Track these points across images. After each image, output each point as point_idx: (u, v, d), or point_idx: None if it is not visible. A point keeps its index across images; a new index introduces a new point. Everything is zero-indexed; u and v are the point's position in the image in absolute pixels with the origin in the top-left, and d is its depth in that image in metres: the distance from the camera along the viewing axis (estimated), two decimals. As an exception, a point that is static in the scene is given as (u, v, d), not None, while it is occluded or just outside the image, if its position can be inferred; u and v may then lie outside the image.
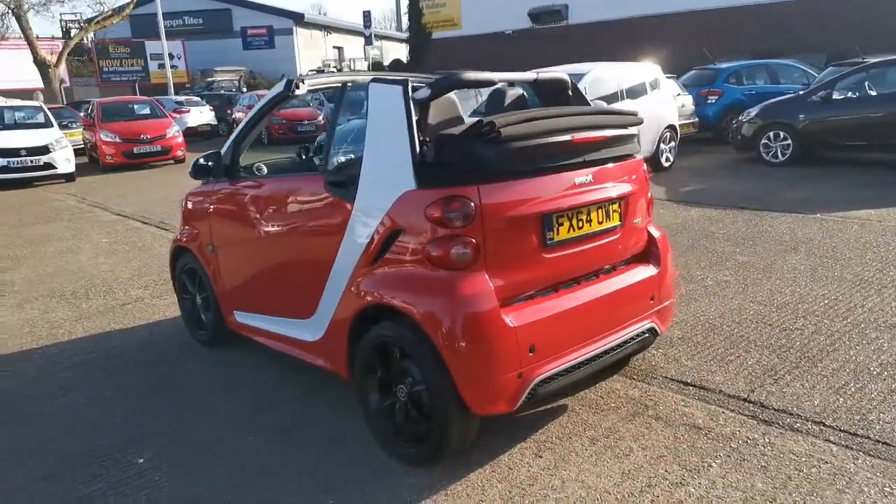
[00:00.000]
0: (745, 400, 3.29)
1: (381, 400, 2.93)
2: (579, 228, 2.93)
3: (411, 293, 2.70)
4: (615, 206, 3.12)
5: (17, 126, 12.77)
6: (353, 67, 42.64)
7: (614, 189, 3.09)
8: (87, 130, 15.50)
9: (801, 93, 10.68)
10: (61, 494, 2.75)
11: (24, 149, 11.92)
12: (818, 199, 7.73)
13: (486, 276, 2.64)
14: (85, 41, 41.26)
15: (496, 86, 3.47)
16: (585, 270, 3.04)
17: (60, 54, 24.03)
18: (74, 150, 13.44)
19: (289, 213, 3.38)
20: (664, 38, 21.02)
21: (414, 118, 2.79)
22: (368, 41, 35.97)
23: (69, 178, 12.74)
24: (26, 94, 28.72)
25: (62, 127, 14.42)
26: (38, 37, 29.62)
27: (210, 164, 3.82)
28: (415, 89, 2.91)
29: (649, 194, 3.47)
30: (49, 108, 16.35)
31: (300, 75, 3.58)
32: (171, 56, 41.51)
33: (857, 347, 3.79)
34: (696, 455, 2.85)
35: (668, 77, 11.81)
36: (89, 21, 25.94)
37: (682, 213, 7.51)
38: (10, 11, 22.42)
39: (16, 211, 10.08)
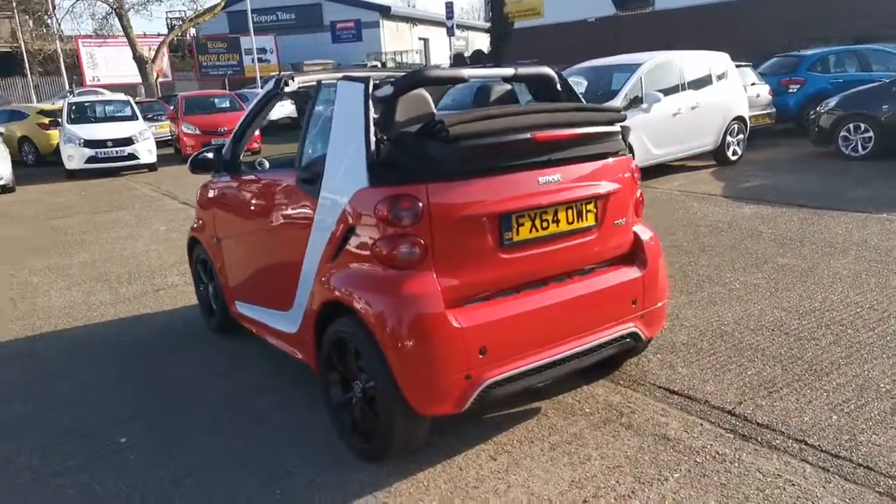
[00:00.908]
0: (728, 412, 3.12)
1: (341, 394, 2.98)
2: (544, 229, 2.86)
3: (360, 290, 2.72)
4: (590, 206, 3.01)
5: (106, 119, 13.70)
6: (400, 63, 42.55)
7: (589, 188, 2.99)
8: (173, 123, 16.39)
9: (885, 81, 9.89)
10: (38, 468, 2.96)
11: (111, 140, 12.76)
12: (888, 198, 7.16)
13: (434, 276, 2.62)
14: (186, 37, 43.54)
15: (475, 83, 3.42)
16: (553, 272, 2.96)
17: (157, 51, 25.45)
18: (162, 141, 14.25)
19: (271, 208, 3.48)
20: (756, 22, 19.97)
21: (371, 116, 2.81)
22: (450, 32, 36.04)
23: (151, 167, 13.55)
24: (130, 88, 30.69)
25: (153, 120, 15.31)
26: (144, 34, 31.59)
27: (210, 158, 3.97)
28: (377, 87, 2.92)
29: (638, 193, 3.34)
30: (142, 102, 17.41)
31: (289, 74, 3.66)
32: (263, 50, 43.22)
33: (874, 362, 3.50)
34: (655, 467, 2.73)
35: (741, 65, 11.23)
36: (184, 20, 27.34)
37: (734, 211, 7.14)
38: (113, 11, 23.96)
39: (95, 198, 10.82)
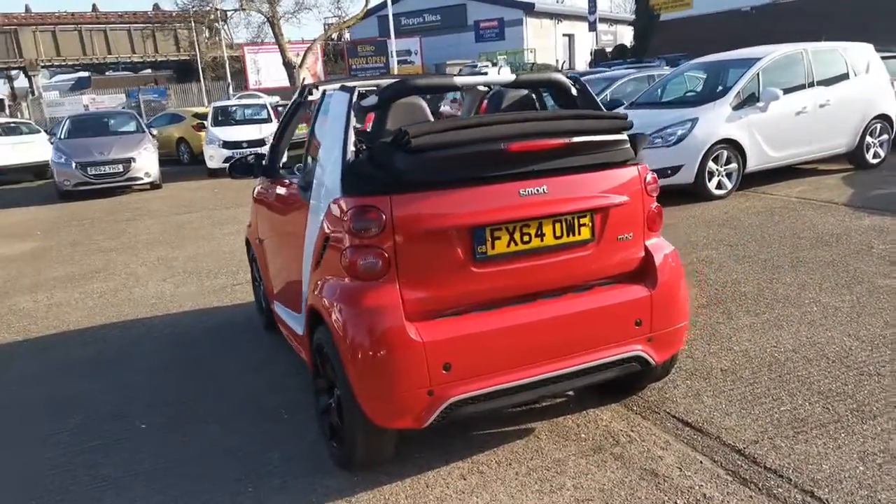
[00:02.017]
0: (738, 451, 2.82)
1: (325, 399, 3.04)
2: (525, 243, 2.74)
3: (329, 299, 2.76)
4: (584, 220, 2.84)
5: (244, 121, 14.83)
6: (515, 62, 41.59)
7: (584, 201, 2.83)
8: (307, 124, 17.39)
9: None
10: (66, 444, 3.29)
11: (246, 141, 13.81)
12: None
13: (397, 289, 2.60)
14: (341, 41, 45.94)
15: (481, 89, 3.32)
16: (541, 288, 2.82)
17: (303, 56, 27.10)
18: (299, 142, 15.16)
19: (287, 212, 3.62)
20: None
21: (351, 125, 2.83)
22: (592, 27, 35.17)
23: (283, 166, 14.48)
24: (285, 91, 32.91)
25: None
26: (302, 39, 33.78)
27: (250, 163, 4.17)
28: (363, 97, 2.94)
29: (654, 206, 3.09)
30: (283, 105, 18.64)
31: (313, 84, 3.76)
32: (407, 52, 44.64)
33: (940, 408, 3.01)
34: (627, 505, 2.53)
35: (889, 57, 9.97)
36: (329, 26, 28.87)
37: (850, 222, 6.38)
38: (267, 21, 25.84)
39: (224, 196, 11.76)
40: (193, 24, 38.54)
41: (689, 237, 6.30)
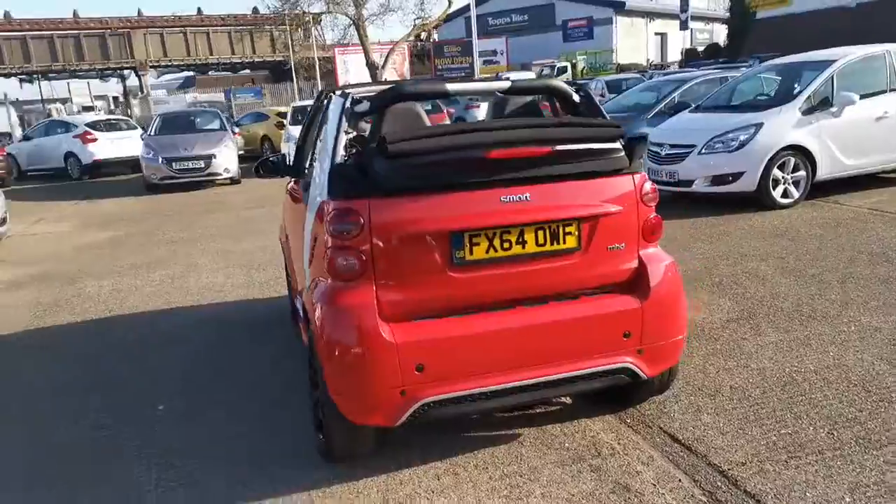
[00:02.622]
0: (721, 472, 2.73)
1: (317, 392, 3.15)
2: (505, 249, 2.75)
3: (312, 296, 2.87)
4: (570, 229, 2.83)
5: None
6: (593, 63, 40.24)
7: (569, 209, 2.81)
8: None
9: None
10: (93, 420, 3.57)
11: (320, 140, 14.24)
12: None
13: (373, 290, 2.67)
14: (429, 42, 46.49)
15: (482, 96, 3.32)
16: (521, 295, 2.82)
17: (386, 58, 27.65)
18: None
19: (296, 211, 3.77)
20: None
21: (342, 130, 2.93)
22: (684, 26, 34.01)
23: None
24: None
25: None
26: (392, 41, 34.47)
27: (275, 162, 4.33)
28: (357, 102, 3.03)
29: (651, 216, 3.02)
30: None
31: (331, 88, 3.89)
32: (493, 52, 44.62)
33: (958, 442, 2.79)
34: (589, 518, 2.51)
35: None
36: (413, 27, 29.33)
37: (921, 237, 5.94)
38: (352, 23, 26.56)
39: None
40: (288, 26, 40.02)
41: (739, 248, 6.06)
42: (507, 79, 3.83)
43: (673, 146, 7.93)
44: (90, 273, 6.90)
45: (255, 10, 46.06)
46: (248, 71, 52.00)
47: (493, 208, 2.71)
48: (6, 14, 44.64)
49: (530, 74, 31.42)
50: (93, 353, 4.60)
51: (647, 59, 43.19)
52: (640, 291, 2.95)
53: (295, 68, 45.55)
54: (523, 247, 2.77)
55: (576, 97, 3.30)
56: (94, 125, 16.52)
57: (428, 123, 3.42)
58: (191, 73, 55.39)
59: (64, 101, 43.94)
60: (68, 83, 46.43)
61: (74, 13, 45.45)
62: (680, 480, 2.70)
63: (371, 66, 26.86)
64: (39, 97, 49.28)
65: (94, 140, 15.91)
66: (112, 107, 46.50)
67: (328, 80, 46.24)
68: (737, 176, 7.42)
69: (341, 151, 2.91)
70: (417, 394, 2.65)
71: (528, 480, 2.77)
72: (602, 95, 19.22)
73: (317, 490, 2.80)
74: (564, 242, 2.83)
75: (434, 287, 2.72)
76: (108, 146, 16.11)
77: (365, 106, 3.00)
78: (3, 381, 4.26)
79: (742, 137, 7.40)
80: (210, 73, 53.13)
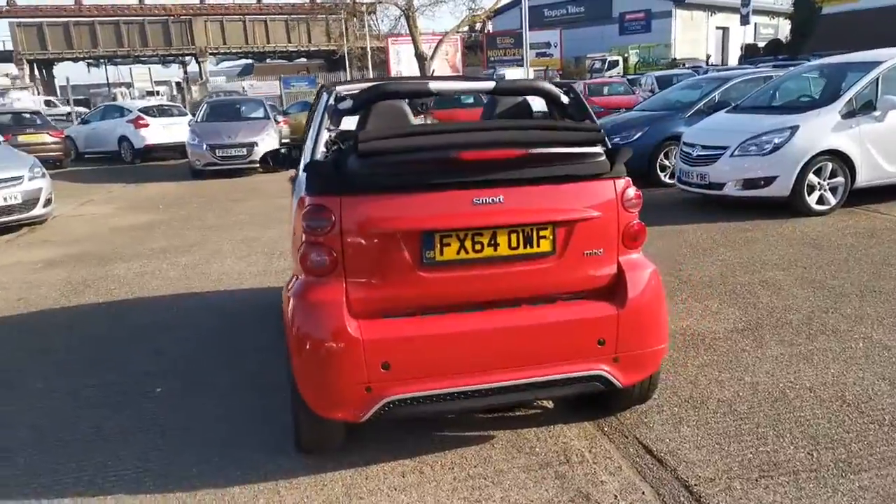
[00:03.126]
0: (686, 487, 2.68)
1: None
2: (476, 251, 2.75)
3: (287, 290, 2.93)
4: (545, 232, 2.81)
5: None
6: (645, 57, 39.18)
7: (544, 213, 2.79)
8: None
9: None
10: (89, 399, 3.73)
11: (359, 130, 14.40)
12: None
13: (343, 286, 2.71)
14: (480, 33, 46.33)
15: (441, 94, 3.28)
16: (494, 297, 2.82)
17: (434, 49, 27.66)
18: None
19: (291, 204, 3.83)
20: None
21: (323, 126, 2.97)
22: (745, 20, 32.98)
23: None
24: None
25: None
26: (447, 33, 34.49)
27: (282, 153, 4.39)
28: (340, 100, 3.06)
29: (634, 222, 2.97)
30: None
31: (332, 83, 3.93)
32: (546, 44, 44.14)
33: (942, 470, 2.67)
34: (543, 525, 2.50)
35: None
36: (463, 18, 29.24)
37: (958, 250, 5.66)
38: (403, 14, 26.67)
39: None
40: (343, 16, 40.40)
41: (763, 255, 5.88)
42: (502, 77, 3.81)
43: (705, 147, 7.73)
44: (122, 255, 7.17)
45: (313, -1, 46.81)
46: (303, 59, 52.87)
47: (465, 209, 2.71)
48: (77, 0, 46.41)
49: (519, 73, 30.80)
50: (105, 335, 4.79)
51: (707, 55, 42.04)
52: (618, 298, 2.91)
53: (348, 58, 46.00)
54: (495, 249, 2.77)
55: (564, 99, 3.27)
56: (146, 111, 17.07)
57: (413, 122, 3.43)
58: (249, 61, 56.62)
59: (128, 85, 45.48)
60: (131, 68, 48.09)
61: (140, 0, 46.97)
62: (643, 493, 2.67)
63: (419, 58, 26.94)
64: (106, 81, 51.13)
65: (147, 125, 16.45)
66: (174, 92, 47.92)
67: (381, 69, 46.57)
68: (769, 180, 7.19)
69: (322, 148, 2.96)
70: (383, 391, 2.68)
71: (491, 483, 2.78)
72: (652, 91, 18.86)
73: (284, 480, 2.86)
74: (538, 246, 2.81)
75: (404, 286, 2.74)
76: (159, 131, 16.63)
77: (348, 104, 3.03)
78: (12, 357, 4.47)
79: (776, 140, 7.16)
80: (267, 60, 54.20)
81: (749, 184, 7.33)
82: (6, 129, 15.93)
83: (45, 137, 16.03)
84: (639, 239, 3.00)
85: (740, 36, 41.06)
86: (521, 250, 2.79)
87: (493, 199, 2.73)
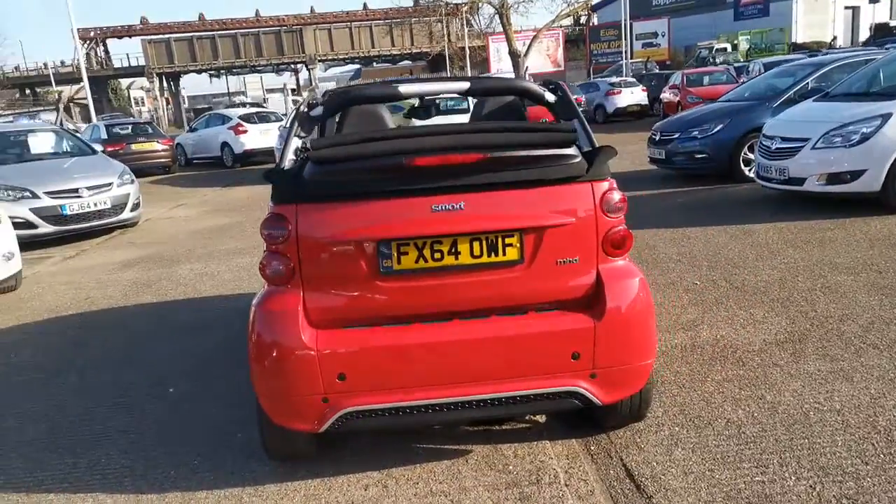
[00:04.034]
0: (657, 518, 2.44)
1: None
2: (436, 260, 2.64)
3: (254, 299, 2.93)
4: (511, 240, 2.65)
5: (447, 111, 15.48)
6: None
7: (509, 220, 2.64)
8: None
9: None
10: (104, 396, 3.92)
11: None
12: None
13: (300, 296, 2.68)
14: (583, 26, 45.35)
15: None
16: (454, 307, 2.69)
17: (528, 45, 27.31)
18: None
19: None
20: None
21: (292, 133, 2.95)
22: (874, -1, 30.14)
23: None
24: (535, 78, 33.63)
25: None
26: (557, 28, 34.04)
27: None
28: (312, 106, 3.02)
29: (618, 228, 2.75)
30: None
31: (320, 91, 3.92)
32: (654, 34, 42.52)
33: (968, 516, 2.27)
34: (486, 550, 2.35)
35: None
36: (556, 15, 28.70)
37: None
38: (496, 12, 26.53)
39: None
40: (443, 17, 40.78)
41: (835, 257, 5.33)
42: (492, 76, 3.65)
43: (784, 139, 7.11)
44: (190, 257, 7.56)
45: (416, 1, 47.55)
46: (407, 62, 53.87)
47: (422, 217, 2.60)
48: (200, 15, 49.78)
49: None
50: (144, 333, 5.04)
51: (832, 37, 38.89)
52: (595, 310, 2.70)
53: (449, 57, 46.37)
54: (456, 258, 2.64)
55: (549, 97, 3.07)
56: (246, 118, 17.96)
57: (391, 125, 3.34)
58: (357, 66, 58.42)
59: (240, 94, 48.24)
60: (244, 78, 50.92)
61: (256, 12, 49.64)
62: (607, 522, 2.46)
63: (513, 55, 26.69)
64: (227, 90, 54.49)
65: (245, 131, 17.31)
66: (290, 97, 50.23)
67: (481, 68, 46.64)
68: (856, 174, 6.50)
69: (290, 156, 2.94)
70: (340, 402, 2.63)
71: (449, 502, 2.65)
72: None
73: (251, 487, 2.87)
74: (505, 254, 2.66)
75: (362, 296, 2.67)
76: (257, 137, 17.44)
77: (318, 110, 3.00)
78: (53, 351, 4.78)
79: (864, 130, 6.46)
80: (374, 64, 55.69)
81: (833, 178, 6.66)
82: (123, 138, 17.33)
83: (156, 145, 17.27)
84: (622, 246, 2.77)
85: (871, 16, 37.67)
86: (484, 259, 2.65)
87: (452, 206, 2.60)
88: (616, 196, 2.75)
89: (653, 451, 2.88)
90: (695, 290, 4.87)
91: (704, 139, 9.01)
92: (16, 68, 55.23)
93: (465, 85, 3.06)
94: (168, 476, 3.00)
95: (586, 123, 3.05)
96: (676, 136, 9.31)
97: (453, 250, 2.64)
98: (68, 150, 9.89)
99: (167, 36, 48.35)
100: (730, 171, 8.95)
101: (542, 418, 3.23)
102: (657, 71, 29.26)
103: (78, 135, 12.96)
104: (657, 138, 9.71)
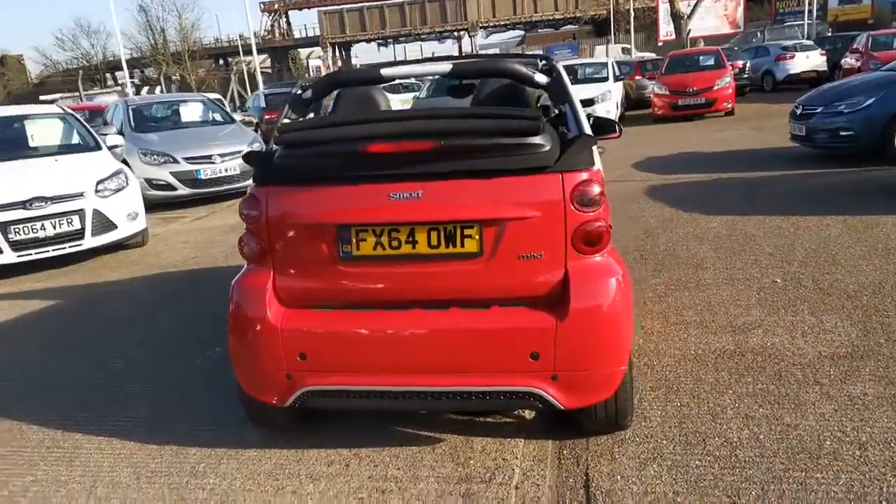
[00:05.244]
0: (588, 537, 2.28)
1: None
2: (393, 248, 2.62)
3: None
4: (470, 231, 2.57)
5: (584, 80, 14.90)
6: None
7: (467, 210, 2.55)
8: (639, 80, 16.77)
9: None
10: (162, 348, 4.31)
11: (583, 101, 13.93)
12: None
13: (271, 275, 2.78)
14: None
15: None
16: (414, 296, 2.66)
17: (693, 7, 25.32)
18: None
19: None
20: None
21: (283, 116, 3.02)
22: None
23: (613, 129, 14.24)
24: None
25: (618, 79, 15.75)
26: None
27: None
28: (304, 89, 3.06)
29: (590, 223, 2.55)
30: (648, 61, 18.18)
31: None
32: (852, -12, 37.73)
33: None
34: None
35: None
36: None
37: None
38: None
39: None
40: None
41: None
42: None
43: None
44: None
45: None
46: (571, 26, 52.33)
47: (380, 204, 2.59)
48: (370, -15, 51.58)
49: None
50: (216, 297, 5.44)
51: None
52: (559, 309, 2.55)
53: (615, 20, 44.44)
54: (413, 247, 2.61)
55: (541, 79, 2.87)
56: (392, 88, 18.50)
57: (384, 108, 3.28)
58: (520, 32, 57.76)
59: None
60: (404, 47, 52.30)
61: (423, -20, 50.55)
62: (536, 533, 2.34)
63: (675, 17, 24.92)
64: (394, 59, 56.27)
65: (387, 101, 17.89)
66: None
67: (649, 31, 44.20)
68: None
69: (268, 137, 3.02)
70: (301, 380, 2.72)
71: (398, 489, 2.66)
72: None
73: (233, 450, 3.04)
74: (463, 246, 2.58)
75: (325, 279, 2.72)
76: (397, 107, 17.95)
77: (309, 94, 3.04)
78: (142, 307, 5.30)
79: None
80: (538, 30, 54.77)
81: None
82: (280, 106, 18.62)
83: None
84: (595, 243, 2.58)
85: None
86: (442, 249, 2.59)
87: (410, 194, 2.56)
88: (593, 189, 2.54)
89: (626, 463, 2.68)
90: (771, 289, 4.37)
91: (852, 114, 7.91)
92: (216, 39, 60.91)
93: (448, 66, 2.94)
94: (172, 432, 3.25)
95: (578, 109, 2.84)
96: (819, 110, 8.27)
97: (411, 239, 2.60)
98: (210, 119, 10.83)
99: (340, 7, 50.82)
100: (881, 152, 7.81)
101: (529, 414, 3.12)
102: (828, 34, 25.99)
103: (223, 104, 14.07)
104: (799, 112, 8.69)
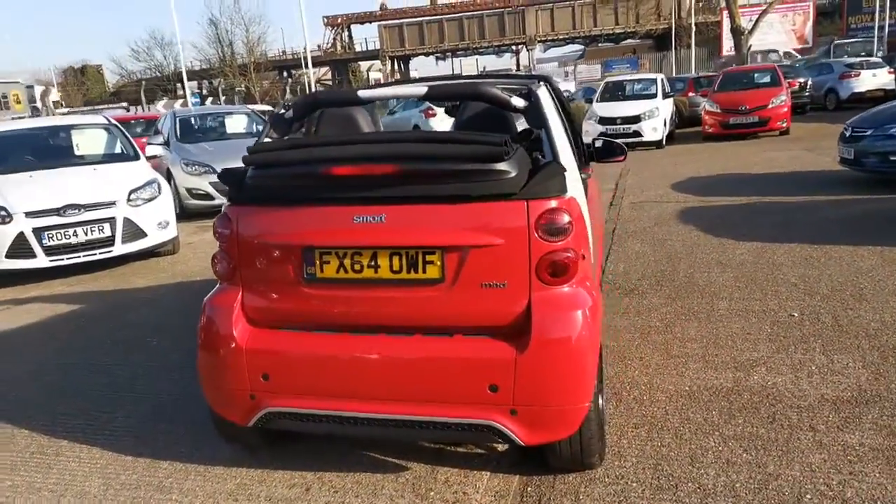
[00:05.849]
0: (528, 584, 2.18)
1: None
2: (356, 271, 2.59)
3: None
4: (432, 257, 2.52)
5: (632, 97, 14.63)
6: None
7: (429, 236, 2.51)
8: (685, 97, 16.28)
9: None
10: (165, 357, 4.39)
11: (619, 118, 13.68)
12: None
13: (239, 294, 2.79)
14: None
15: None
16: (377, 321, 2.62)
17: (756, 21, 24.57)
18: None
19: None
20: None
21: (264, 136, 3.04)
22: None
23: (657, 145, 13.89)
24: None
25: (668, 95, 15.36)
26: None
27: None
28: (287, 109, 3.07)
29: (559, 254, 2.46)
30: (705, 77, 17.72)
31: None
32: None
33: None
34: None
35: None
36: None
37: None
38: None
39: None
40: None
41: None
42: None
43: None
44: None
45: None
46: (631, 40, 51.60)
47: (344, 227, 2.57)
48: (432, 0, 52.27)
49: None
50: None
51: None
52: (520, 341, 2.47)
53: (677, 35, 43.68)
54: (375, 271, 2.57)
55: (518, 102, 2.79)
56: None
57: (366, 129, 3.25)
58: (580, 47, 57.32)
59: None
60: (460, 60, 52.57)
61: (483, -5, 50.84)
62: (478, 575, 2.25)
63: (735, 32, 24.20)
64: (451, 73, 56.66)
65: (434, 115, 17.89)
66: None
67: (713, 45, 43.27)
68: None
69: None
70: (264, 401, 2.71)
71: (352, 517, 2.62)
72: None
73: (202, 465, 3.05)
74: (425, 272, 2.53)
75: (289, 300, 2.72)
76: (445, 120, 18.01)
77: (289, 114, 3.05)
78: (158, 316, 5.39)
79: None
80: (598, 45, 54.23)
81: None
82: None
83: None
84: (564, 274, 2.48)
85: None
86: (404, 275, 2.55)
87: (373, 218, 2.53)
88: (561, 218, 2.46)
89: (607, 492, 2.56)
90: (785, 324, 4.14)
91: (884, 140, 7.49)
92: (281, 52, 62.57)
93: (423, 90, 2.90)
94: (153, 442, 3.29)
95: (554, 135, 2.75)
96: (869, 132, 7.86)
97: (373, 263, 2.57)
98: (254, 131, 11.08)
99: (400, 21, 51.54)
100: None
101: (501, 446, 3.01)
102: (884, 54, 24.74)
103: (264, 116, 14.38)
104: (848, 134, 8.28)
